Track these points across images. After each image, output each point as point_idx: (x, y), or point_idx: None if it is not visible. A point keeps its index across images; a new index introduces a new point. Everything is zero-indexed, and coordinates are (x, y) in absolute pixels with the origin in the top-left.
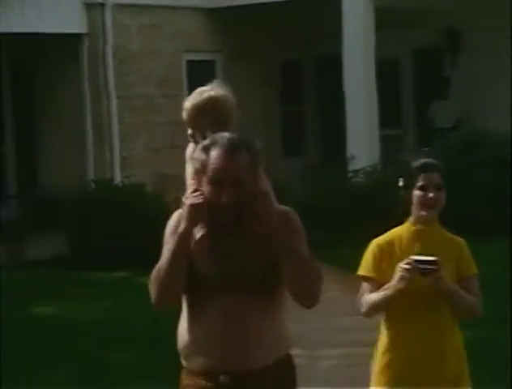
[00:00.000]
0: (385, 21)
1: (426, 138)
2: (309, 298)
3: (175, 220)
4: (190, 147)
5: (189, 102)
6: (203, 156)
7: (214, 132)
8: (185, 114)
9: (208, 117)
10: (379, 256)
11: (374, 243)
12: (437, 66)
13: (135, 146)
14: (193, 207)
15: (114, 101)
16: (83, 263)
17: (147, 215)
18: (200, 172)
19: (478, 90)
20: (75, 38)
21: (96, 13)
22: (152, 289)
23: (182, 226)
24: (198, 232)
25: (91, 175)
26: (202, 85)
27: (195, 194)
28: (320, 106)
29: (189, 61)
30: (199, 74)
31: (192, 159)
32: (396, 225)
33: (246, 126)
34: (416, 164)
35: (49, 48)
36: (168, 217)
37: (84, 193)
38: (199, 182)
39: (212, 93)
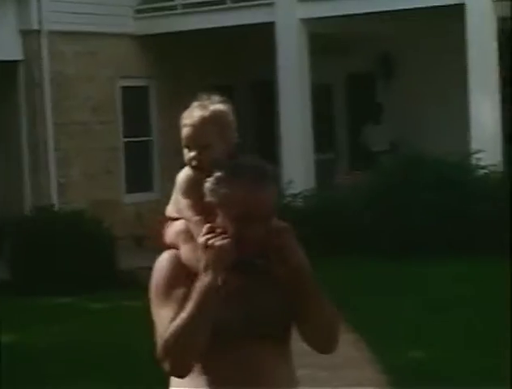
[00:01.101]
0: (319, 47)
1: (359, 162)
2: (330, 341)
3: (170, 266)
4: (185, 172)
5: (192, 116)
6: (224, 189)
7: (219, 152)
8: (188, 131)
9: (216, 133)
10: None
11: None
12: (370, 91)
13: (72, 172)
14: (222, 251)
15: (51, 127)
16: (26, 289)
17: (88, 241)
18: (220, 206)
19: (411, 114)
20: (12, 65)
21: (33, 40)
22: (172, 357)
23: (209, 275)
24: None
25: (28, 201)
26: (137, 111)
27: (219, 233)
28: (252, 131)
29: (124, 88)
30: (133, 101)
31: (209, 190)
32: None
33: (178, 150)
34: None
35: None
36: (110, 243)
37: (25, 219)
38: (210, 217)
39: (217, 107)
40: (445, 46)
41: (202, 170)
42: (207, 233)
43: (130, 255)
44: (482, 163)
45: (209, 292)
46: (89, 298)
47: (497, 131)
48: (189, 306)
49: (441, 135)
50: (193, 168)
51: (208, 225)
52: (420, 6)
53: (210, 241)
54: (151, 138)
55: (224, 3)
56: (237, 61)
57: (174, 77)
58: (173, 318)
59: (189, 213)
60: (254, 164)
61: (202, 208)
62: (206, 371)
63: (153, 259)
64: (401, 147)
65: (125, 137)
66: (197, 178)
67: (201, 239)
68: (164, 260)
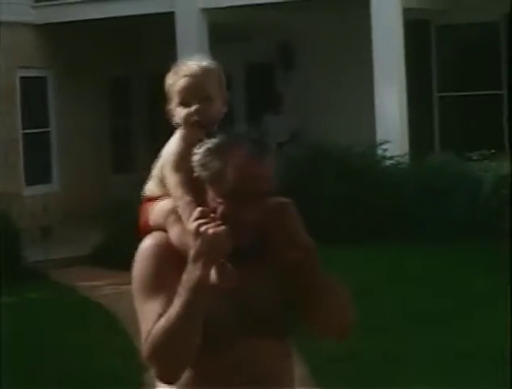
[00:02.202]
0: (219, 36)
1: None
2: (344, 327)
3: (156, 252)
4: (174, 142)
5: (190, 67)
6: (217, 162)
7: (219, 110)
8: (186, 81)
9: (217, 86)
10: None
11: None
12: (270, 80)
13: None
14: (216, 240)
15: None
16: None
17: None
18: (211, 182)
19: (313, 104)
20: None
21: None
22: (160, 362)
23: (199, 268)
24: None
25: None
26: (36, 102)
27: (213, 219)
28: (149, 122)
29: (22, 78)
30: (32, 91)
31: (198, 164)
32: None
33: (77, 141)
34: None
35: None
36: (15, 235)
37: None
38: (199, 194)
39: (212, 62)
40: (350, 36)
41: (203, 128)
42: (199, 218)
43: (34, 248)
44: (389, 153)
45: (198, 288)
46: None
47: (403, 122)
48: (176, 304)
49: (346, 126)
50: (192, 125)
51: (200, 209)
52: None
53: (202, 228)
54: (49, 129)
55: None
56: (136, 52)
57: (73, 67)
58: (161, 315)
59: (178, 192)
60: (250, 135)
61: (193, 186)
62: (199, 375)
63: (58, 252)
64: (302, 138)
65: (23, 128)
66: (189, 150)
67: (191, 225)
68: (148, 247)
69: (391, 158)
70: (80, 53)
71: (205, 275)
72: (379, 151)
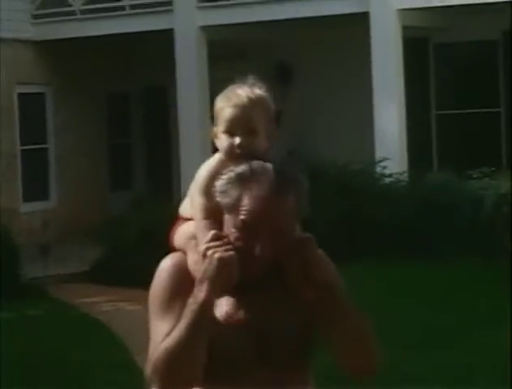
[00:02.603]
0: (217, 53)
1: None
2: (370, 364)
3: (173, 273)
4: (209, 165)
5: (239, 95)
6: (236, 191)
7: (264, 143)
8: (234, 112)
9: (264, 118)
10: None
11: None
12: None
13: None
14: (223, 263)
15: None
16: None
17: None
18: (227, 210)
19: (310, 122)
20: None
21: None
22: (162, 381)
23: (204, 290)
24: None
25: None
26: (34, 118)
27: (224, 244)
28: (147, 139)
29: (21, 94)
30: (30, 107)
31: (218, 190)
32: None
33: (75, 158)
34: None
35: None
36: (14, 251)
37: None
38: (217, 221)
39: (263, 91)
40: (349, 53)
41: (244, 161)
42: (210, 241)
43: (33, 264)
44: (388, 171)
45: (201, 311)
46: None
47: (402, 139)
48: (181, 325)
49: (345, 143)
50: (233, 157)
51: (213, 232)
52: (321, 14)
53: (210, 251)
54: (47, 145)
55: (123, 9)
56: (134, 68)
57: (71, 84)
58: (168, 335)
59: (198, 215)
60: (279, 169)
61: (214, 212)
62: None
63: (56, 268)
64: (299, 155)
65: (22, 144)
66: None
67: (201, 247)
68: (166, 266)
69: (390, 176)
70: (78, 69)
71: (208, 298)
72: (378, 169)
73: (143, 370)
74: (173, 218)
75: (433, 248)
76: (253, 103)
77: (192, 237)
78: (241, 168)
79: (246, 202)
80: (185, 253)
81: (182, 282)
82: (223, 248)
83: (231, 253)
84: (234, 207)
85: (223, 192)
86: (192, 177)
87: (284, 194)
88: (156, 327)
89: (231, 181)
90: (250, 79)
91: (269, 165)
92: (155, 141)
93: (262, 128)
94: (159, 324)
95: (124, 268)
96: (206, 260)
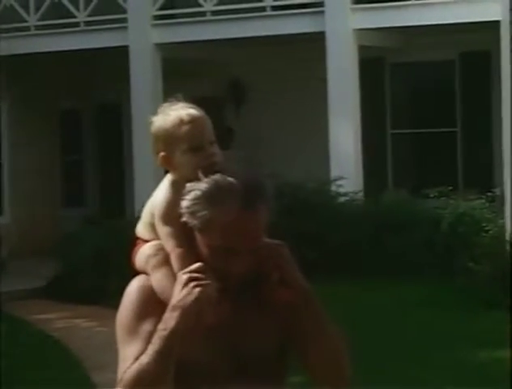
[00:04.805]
0: (171, 71)
1: None
2: (342, 378)
3: (139, 295)
4: (167, 189)
5: (190, 113)
6: (206, 210)
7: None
8: (193, 127)
9: (208, 137)
10: None
11: None
12: (219, 115)
13: None
14: (202, 298)
15: None
16: None
17: None
18: (200, 230)
19: (264, 140)
20: None
21: None
22: None
23: (175, 318)
24: None
25: None
26: None
27: (207, 278)
28: (99, 156)
29: None
30: None
31: (186, 211)
32: None
33: (28, 174)
34: None
35: None
36: None
37: None
38: (190, 240)
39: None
40: (304, 73)
41: (217, 171)
42: (194, 272)
43: None
44: (343, 190)
45: (171, 338)
46: None
47: (358, 158)
48: (149, 350)
49: (300, 162)
50: (209, 167)
51: (200, 264)
52: (277, 33)
53: (192, 283)
54: (0, 161)
55: (78, 26)
56: (89, 84)
57: (25, 99)
58: (137, 358)
59: (169, 244)
60: (247, 181)
61: (183, 233)
62: None
63: (10, 284)
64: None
65: None
66: (179, 198)
67: (183, 275)
68: (132, 289)
69: (346, 194)
70: (32, 85)
71: (179, 327)
72: (333, 188)
73: (98, 386)
74: (128, 237)
75: (387, 268)
76: (204, 117)
77: (150, 257)
78: (205, 185)
79: (219, 221)
80: (147, 274)
81: (149, 304)
82: (205, 282)
83: (211, 291)
84: (206, 228)
85: (191, 213)
86: (146, 194)
87: (256, 206)
88: (125, 350)
89: (198, 201)
90: (179, 99)
91: (233, 178)
92: (108, 158)
93: (215, 138)
94: (127, 347)
95: (78, 285)
96: (185, 289)
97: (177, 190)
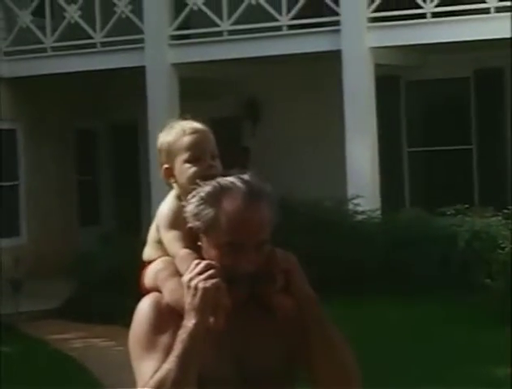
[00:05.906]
0: (188, 91)
1: None
2: (351, 383)
3: (152, 312)
4: (168, 204)
5: (193, 126)
6: (211, 210)
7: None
8: (195, 138)
9: (210, 150)
10: None
11: None
12: (236, 135)
13: None
14: (207, 292)
15: None
16: None
17: None
18: (205, 232)
19: (281, 159)
20: None
21: None
22: None
23: (193, 318)
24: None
25: None
26: (4, 155)
27: (209, 270)
28: (115, 174)
29: None
30: (1, 144)
31: (191, 214)
32: None
33: (44, 194)
34: None
35: None
36: None
37: None
38: (196, 246)
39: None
40: (321, 91)
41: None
42: (192, 270)
43: (4, 301)
44: (360, 208)
45: (192, 338)
46: None
47: (375, 176)
48: (171, 356)
49: (316, 181)
50: (207, 179)
51: (195, 261)
52: (293, 52)
53: (193, 282)
54: (18, 182)
55: (94, 47)
56: (106, 105)
57: (41, 120)
58: (157, 371)
59: (173, 248)
60: (249, 179)
61: (189, 239)
62: None
63: (27, 305)
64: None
65: None
66: (183, 207)
67: (184, 278)
68: (144, 306)
69: (363, 213)
70: (48, 106)
71: (197, 327)
72: (350, 206)
73: None
74: (142, 259)
75: (406, 285)
76: (207, 131)
77: (159, 271)
78: (208, 187)
79: (225, 219)
80: (158, 290)
81: (164, 317)
82: (204, 276)
83: (215, 280)
84: (212, 228)
85: (196, 215)
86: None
87: (259, 203)
88: (142, 367)
89: (202, 202)
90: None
91: (234, 178)
92: (124, 178)
93: (218, 154)
94: (146, 362)
95: (95, 305)
96: (190, 291)
97: (180, 201)
